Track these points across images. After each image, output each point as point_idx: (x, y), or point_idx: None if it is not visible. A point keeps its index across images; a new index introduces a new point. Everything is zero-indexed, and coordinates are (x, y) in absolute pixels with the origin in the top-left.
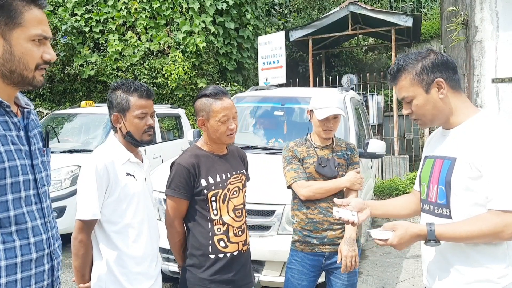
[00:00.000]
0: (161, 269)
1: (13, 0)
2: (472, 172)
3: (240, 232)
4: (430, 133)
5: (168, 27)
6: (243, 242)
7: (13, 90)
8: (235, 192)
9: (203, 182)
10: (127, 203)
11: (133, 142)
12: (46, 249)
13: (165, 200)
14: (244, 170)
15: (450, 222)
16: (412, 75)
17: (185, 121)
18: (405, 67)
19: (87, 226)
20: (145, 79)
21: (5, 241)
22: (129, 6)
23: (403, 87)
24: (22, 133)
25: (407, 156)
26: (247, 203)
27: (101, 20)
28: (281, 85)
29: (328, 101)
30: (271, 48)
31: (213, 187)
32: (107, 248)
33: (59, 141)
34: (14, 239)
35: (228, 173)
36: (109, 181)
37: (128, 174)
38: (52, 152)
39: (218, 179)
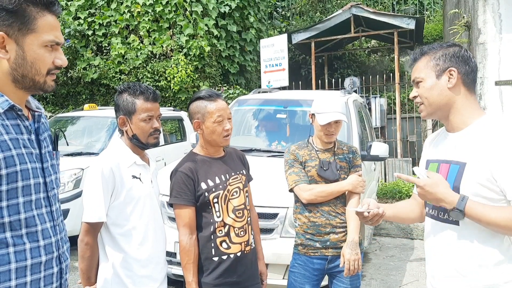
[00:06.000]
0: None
1: (27, 6)
2: (484, 178)
3: (242, 233)
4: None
5: (171, 30)
6: (245, 243)
7: (24, 94)
8: (235, 193)
9: (203, 186)
10: (133, 205)
11: (139, 145)
12: (55, 251)
13: (168, 204)
14: (244, 171)
15: (457, 227)
16: (430, 58)
17: (187, 124)
18: (427, 52)
19: (93, 228)
20: (148, 82)
21: (15, 243)
22: (132, 10)
23: (417, 68)
24: (33, 137)
25: (410, 158)
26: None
27: (104, 24)
28: (283, 88)
29: (330, 105)
30: (274, 51)
31: (213, 189)
32: (113, 250)
33: (67, 144)
34: (24, 242)
35: (227, 175)
36: (115, 184)
37: (134, 176)
38: None
39: (217, 181)
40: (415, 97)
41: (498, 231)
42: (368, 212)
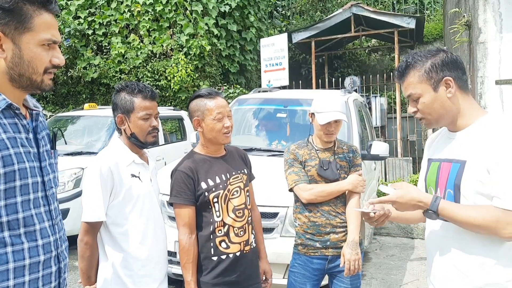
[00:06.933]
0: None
1: (23, 4)
2: (483, 175)
3: (241, 232)
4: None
5: (171, 29)
6: (244, 242)
7: (22, 94)
8: (235, 193)
9: (203, 185)
10: (132, 204)
11: (138, 144)
12: (54, 251)
13: (168, 203)
14: (245, 170)
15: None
16: (421, 72)
17: (188, 123)
18: (414, 64)
19: (93, 228)
20: (148, 82)
21: (13, 243)
22: (132, 9)
23: (410, 84)
24: (31, 135)
25: (411, 158)
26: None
27: (104, 23)
28: (283, 87)
29: (330, 105)
30: (274, 50)
31: (213, 189)
32: (112, 250)
33: (66, 143)
34: (22, 241)
35: (227, 174)
36: (114, 183)
37: (133, 175)
38: None
39: (217, 180)
40: (415, 112)
41: (475, 231)
42: (374, 213)
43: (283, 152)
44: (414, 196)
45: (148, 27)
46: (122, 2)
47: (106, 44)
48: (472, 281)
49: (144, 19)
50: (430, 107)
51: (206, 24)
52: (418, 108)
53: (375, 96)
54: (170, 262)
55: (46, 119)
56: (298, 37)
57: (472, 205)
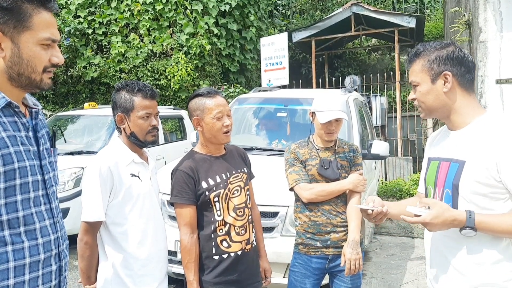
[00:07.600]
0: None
1: (22, 3)
2: (483, 175)
3: (242, 231)
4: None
5: (171, 28)
6: (246, 241)
7: (21, 93)
8: (235, 192)
9: (204, 185)
10: (132, 204)
11: (137, 143)
12: (54, 249)
13: (168, 202)
14: (245, 169)
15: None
16: (425, 62)
17: (188, 123)
18: (422, 53)
19: (92, 228)
20: (148, 81)
21: (13, 242)
22: (132, 8)
23: (413, 71)
24: (30, 134)
25: (411, 157)
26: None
27: (104, 22)
28: (284, 87)
29: (330, 104)
30: (274, 50)
31: (214, 188)
32: (112, 249)
33: (65, 141)
34: (22, 240)
35: (227, 173)
36: (113, 183)
37: (132, 175)
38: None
39: (218, 179)
40: (413, 99)
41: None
42: (372, 210)
43: (283, 151)
44: (448, 215)
45: (148, 26)
46: (122, 1)
47: (106, 43)
48: (470, 280)
49: (144, 18)
50: (424, 97)
51: (206, 23)
52: (416, 96)
53: (375, 96)
54: (170, 261)
55: (46, 119)
56: (298, 36)
57: (502, 214)
